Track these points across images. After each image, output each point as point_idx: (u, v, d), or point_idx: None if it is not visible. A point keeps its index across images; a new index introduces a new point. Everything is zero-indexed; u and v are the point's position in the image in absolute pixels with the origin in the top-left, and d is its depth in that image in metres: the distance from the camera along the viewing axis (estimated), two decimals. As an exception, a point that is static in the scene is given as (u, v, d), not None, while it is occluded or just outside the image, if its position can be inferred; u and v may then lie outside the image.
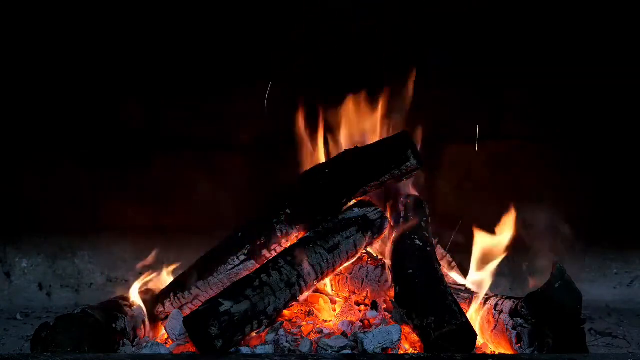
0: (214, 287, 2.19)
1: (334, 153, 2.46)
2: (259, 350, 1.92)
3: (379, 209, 2.28)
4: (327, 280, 2.27)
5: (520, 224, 2.36)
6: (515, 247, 2.37)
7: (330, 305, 2.25)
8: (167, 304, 2.20)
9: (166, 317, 2.17)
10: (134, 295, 2.21)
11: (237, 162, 3.17)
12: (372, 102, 2.48)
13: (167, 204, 3.14)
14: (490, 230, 2.34)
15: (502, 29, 3.09)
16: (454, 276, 2.41)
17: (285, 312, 2.11)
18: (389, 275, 2.20)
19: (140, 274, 2.41)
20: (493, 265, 2.26)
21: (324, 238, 2.15)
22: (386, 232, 2.30)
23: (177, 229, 3.05)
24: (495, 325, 2.03)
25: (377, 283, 2.23)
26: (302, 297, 2.11)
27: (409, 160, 2.22)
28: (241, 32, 3.10)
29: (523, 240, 2.80)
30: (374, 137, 2.43)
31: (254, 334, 1.96)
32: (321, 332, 2.06)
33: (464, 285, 2.26)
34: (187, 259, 2.39)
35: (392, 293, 2.14)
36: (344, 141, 2.46)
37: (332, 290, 2.33)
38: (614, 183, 3.18)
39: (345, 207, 2.28)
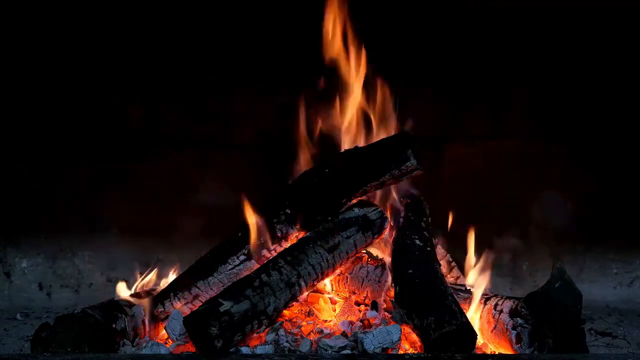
0: (214, 287, 2.19)
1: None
2: (259, 350, 1.92)
3: (379, 209, 2.28)
4: (327, 280, 2.27)
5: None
6: (516, 248, 2.38)
7: (330, 305, 2.25)
8: (167, 304, 2.20)
9: (166, 317, 2.17)
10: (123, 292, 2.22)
11: (238, 162, 3.17)
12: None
13: (167, 204, 3.14)
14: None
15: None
16: (454, 276, 2.41)
17: (285, 312, 2.11)
18: (389, 275, 2.20)
19: (140, 273, 2.41)
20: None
21: (324, 238, 2.15)
22: (386, 232, 2.30)
23: (177, 228, 3.04)
24: (495, 325, 2.03)
25: (377, 283, 2.23)
26: (302, 297, 2.11)
27: (409, 160, 2.22)
28: (242, 32, 3.10)
29: (523, 241, 2.80)
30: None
31: (254, 334, 1.96)
32: (321, 332, 2.06)
33: (464, 285, 2.26)
34: (187, 259, 2.39)
35: (392, 293, 2.14)
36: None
37: (332, 290, 2.33)
38: (614, 183, 3.18)
39: (345, 207, 2.28)
